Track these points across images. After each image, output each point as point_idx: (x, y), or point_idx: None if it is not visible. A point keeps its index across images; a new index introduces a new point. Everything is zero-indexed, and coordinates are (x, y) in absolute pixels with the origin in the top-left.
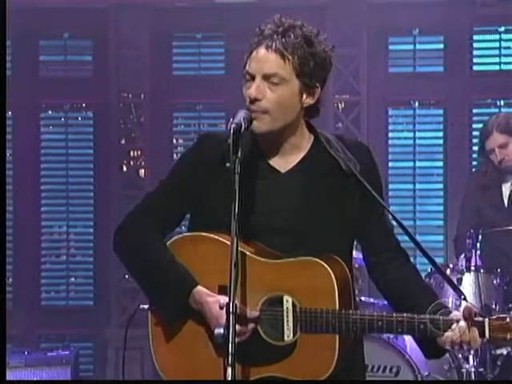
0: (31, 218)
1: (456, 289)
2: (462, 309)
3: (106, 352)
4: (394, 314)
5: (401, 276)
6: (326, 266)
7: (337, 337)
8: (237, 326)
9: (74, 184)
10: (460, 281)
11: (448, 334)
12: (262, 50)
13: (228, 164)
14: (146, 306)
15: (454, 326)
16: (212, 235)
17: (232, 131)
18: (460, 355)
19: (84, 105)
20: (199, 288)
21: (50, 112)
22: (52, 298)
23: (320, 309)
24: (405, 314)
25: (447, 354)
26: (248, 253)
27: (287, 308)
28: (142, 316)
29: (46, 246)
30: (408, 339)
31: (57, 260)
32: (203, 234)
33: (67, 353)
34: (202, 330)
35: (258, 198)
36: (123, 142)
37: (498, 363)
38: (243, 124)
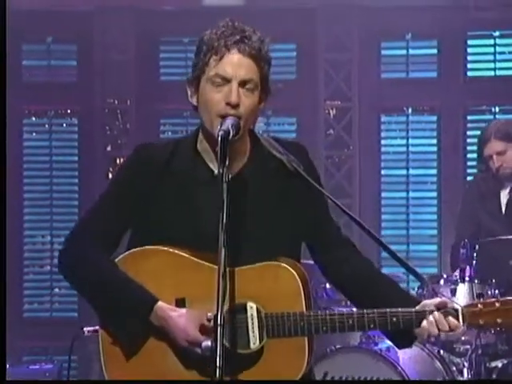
0: (13, 227)
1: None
2: (436, 301)
3: (91, 365)
4: (365, 310)
5: (359, 269)
6: (289, 268)
7: (306, 340)
8: (203, 337)
9: (58, 192)
10: (454, 291)
11: (424, 324)
12: (235, 55)
13: (216, 172)
14: (91, 329)
15: (431, 318)
16: (164, 248)
17: (220, 138)
18: (454, 368)
19: (68, 111)
20: (160, 303)
21: (34, 118)
22: (35, 309)
23: (287, 312)
24: (375, 310)
25: (441, 366)
26: (206, 263)
27: (251, 315)
28: None
29: (28, 256)
30: (400, 351)
31: (40, 270)
32: (153, 247)
33: (50, 366)
34: (164, 346)
35: (205, 206)
36: (109, 148)
37: (494, 376)
38: (231, 131)
